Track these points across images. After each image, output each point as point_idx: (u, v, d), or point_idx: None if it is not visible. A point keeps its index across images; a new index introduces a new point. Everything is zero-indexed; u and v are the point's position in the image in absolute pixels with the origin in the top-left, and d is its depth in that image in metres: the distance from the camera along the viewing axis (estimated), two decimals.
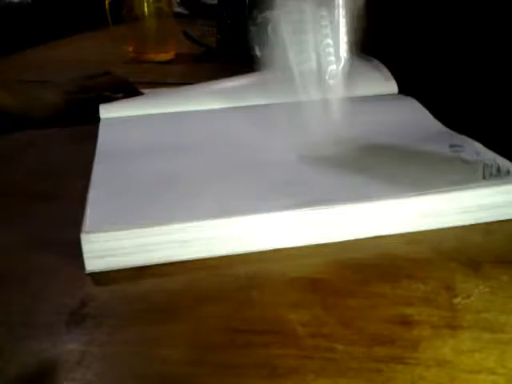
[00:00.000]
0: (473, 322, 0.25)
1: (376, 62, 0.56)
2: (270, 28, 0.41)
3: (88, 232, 0.29)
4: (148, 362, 0.24)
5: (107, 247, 0.29)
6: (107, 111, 0.49)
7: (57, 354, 0.24)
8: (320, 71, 0.40)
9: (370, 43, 0.57)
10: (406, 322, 0.26)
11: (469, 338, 0.24)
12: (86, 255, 0.29)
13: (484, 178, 0.34)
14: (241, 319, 0.26)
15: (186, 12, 1.10)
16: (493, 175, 0.35)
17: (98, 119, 0.48)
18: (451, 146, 0.39)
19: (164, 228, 0.30)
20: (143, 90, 0.58)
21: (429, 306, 0.27)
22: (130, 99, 0.52)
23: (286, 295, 0.28)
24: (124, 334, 0.25)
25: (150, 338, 0.25)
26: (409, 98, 0.50)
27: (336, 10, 0.38)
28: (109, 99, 0.52)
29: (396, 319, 0.26)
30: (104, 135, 0.44)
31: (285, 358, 0.24)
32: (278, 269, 0.30)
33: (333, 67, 0.39)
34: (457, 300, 0.27)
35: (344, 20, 0.38)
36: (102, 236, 0.29)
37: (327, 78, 0.39)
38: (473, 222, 0.34)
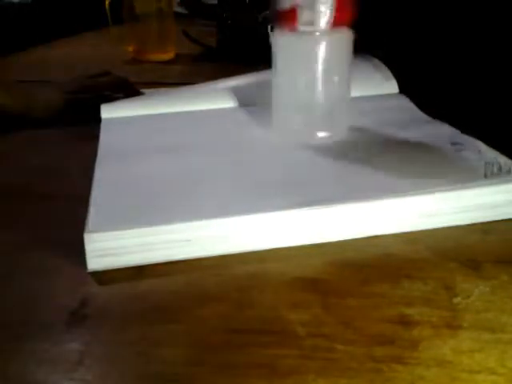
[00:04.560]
0: (473, 322, 0.25)
1: (376, 61, 0.56)
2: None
3: (91, 231, 0.29)
4: (148, 361, 0.24)
5: (109, 246, 0.29)
6: (108, 111, 0.49)
7: (57, 354, 0.24)
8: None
9: (370, 43, 0.57)
10: (406, 322, 0.25)
11: (469, 337, 0.24)
12: (88, 254, 0.29)
13: (485, 176, 0.34)
14: (241, 319, 0.26)
15: (185, 12, 1.10)
16: (494, 174, 0.35)
17: (98, 119, 0.48)
18: (452, 144, 0.39)
19: (165, 227, 0.30)
20: (143, 90, 0.58)
21: (429, 306, 0.27)
22: (130, 99, 0.52)
23: (285, 295, 0.28)
24: (124, 333, 0.25)
25: (150, 338, 0.25)
26: (409, 98, 0.50)
27: None
28: (109, 99, 0.52)
29: (396, 319, 0.26)
30: (106, 135, 0.44)
31: (285, 358, 0.24)
32: (278, 268, 0.30)
33: None
34: (457, 300, 0.27)
35: None
36: (104, 235, 0.29)
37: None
38: (472, 221, 0.34)
